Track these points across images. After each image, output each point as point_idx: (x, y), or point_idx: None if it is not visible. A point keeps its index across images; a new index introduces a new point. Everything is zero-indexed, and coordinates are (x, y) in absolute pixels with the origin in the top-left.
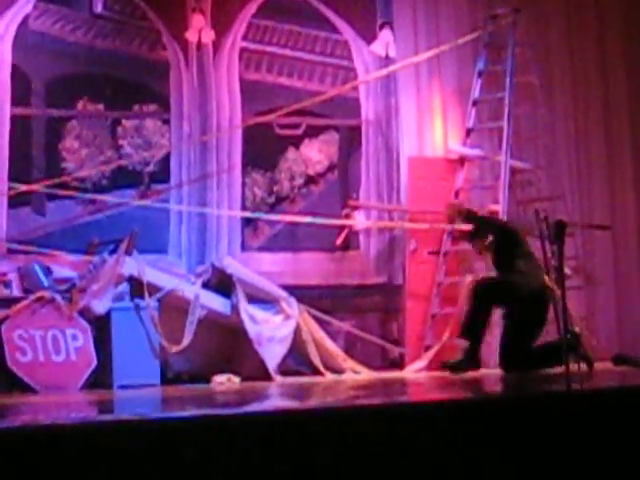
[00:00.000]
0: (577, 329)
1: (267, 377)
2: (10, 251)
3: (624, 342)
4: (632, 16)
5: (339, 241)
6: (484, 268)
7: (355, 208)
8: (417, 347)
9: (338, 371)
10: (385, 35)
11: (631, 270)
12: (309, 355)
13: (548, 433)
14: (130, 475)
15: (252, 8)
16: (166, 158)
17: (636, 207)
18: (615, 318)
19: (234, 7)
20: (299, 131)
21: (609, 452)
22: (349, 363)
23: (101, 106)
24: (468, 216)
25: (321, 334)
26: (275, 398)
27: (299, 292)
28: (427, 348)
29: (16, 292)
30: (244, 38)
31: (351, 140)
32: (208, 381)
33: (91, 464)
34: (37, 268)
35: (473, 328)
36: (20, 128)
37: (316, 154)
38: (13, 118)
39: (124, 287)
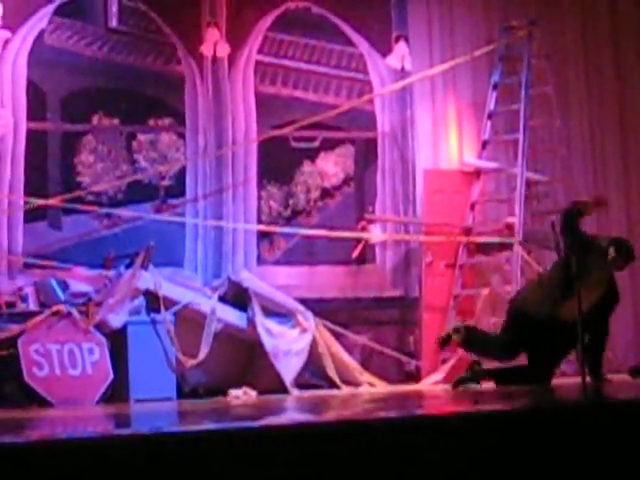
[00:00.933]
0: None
1: (283, 390)
2: (26, 266)
3: None
4: None
5: (355, 254)
6: (500, 281)
7: (371, 221)
8: (433, 360)
9: (354, 384)
10: (400, 48)
11: None
12: (325, 368)
13: (566, 445)
14: None
15: (267, 22)
16: (181, 172)
17: None
18: (633, 330)
19: (249, 21)
20: (315, 144)
21: (626, 464)
22: (365, 376)
23: (116, 120)
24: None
25: (337, 347)
26: (292, 411)
27: (315, 305)
28: (444, 361)
29: (32, 306)
30: (259, 52)
31: (367, 153)
32: (224, 395)
33: (108, 478)
34: (53, 282)
35: None
36: (36, 143)
37: (332, 167)
38: (29, 133)
39: (140, 301)
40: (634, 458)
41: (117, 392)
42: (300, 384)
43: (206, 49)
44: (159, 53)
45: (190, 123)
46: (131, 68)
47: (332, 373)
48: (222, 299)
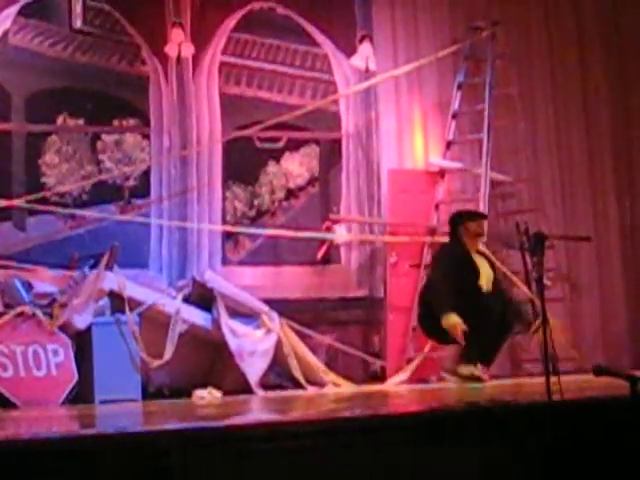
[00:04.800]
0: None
1: (249, 391)
2: None
3: (608, 352)
4: (613, 28)
5: (320, 254)
6: None
7: (336, 221)
8: (398, 360)
9: (319, 384)
10: (365, 48)
11: (614, 280)
12: (290, 368)
13: (530, 444)
14: None
15: (231, 22)
16: (146, 173)
17: (618, 217)
18: (600, 328)
19: (214, 21)
20: (279, 145)
21: (590, 462)
22: (330, 376)
23: (81, 121)
24: None
25: (302, 347)
26: (257, 412)
27: (280, 306)
28: (408, 361)
29: None
30: (224, 52)
31: (331, 153)
32: (189, 395)
33: (73, 478)
34: (18, 283)
35: None
36: (0, 143)
37: (297, 167)
38: None
39: (105, 302)
40: (598, 455)
41: (82, 393)
42: (265, 385)
43: (171, 49)
44: (124, 53)
45: (155, 124)
46: (96, 68)
47: (297, 373)
48: (187, 300)
